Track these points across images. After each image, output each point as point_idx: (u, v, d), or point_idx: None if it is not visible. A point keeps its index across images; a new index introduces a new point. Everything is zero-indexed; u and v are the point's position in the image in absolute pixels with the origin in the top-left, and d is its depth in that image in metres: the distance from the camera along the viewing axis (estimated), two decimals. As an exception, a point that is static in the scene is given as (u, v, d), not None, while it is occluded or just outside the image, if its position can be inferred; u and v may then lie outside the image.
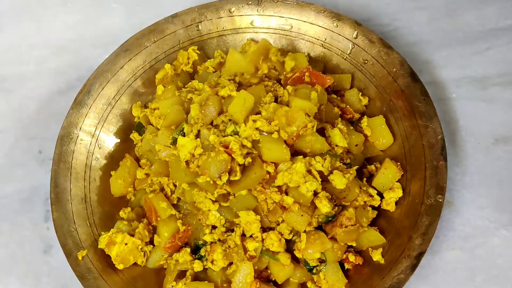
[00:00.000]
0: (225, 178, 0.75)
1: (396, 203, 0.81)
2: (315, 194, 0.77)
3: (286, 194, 0.76)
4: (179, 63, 0.94)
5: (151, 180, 0.85)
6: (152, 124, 0.89)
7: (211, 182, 0.76)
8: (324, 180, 0.78)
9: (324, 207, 0.76)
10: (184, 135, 0.79)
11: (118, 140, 0.92)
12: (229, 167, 0.75)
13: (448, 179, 0.79)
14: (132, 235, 0.81)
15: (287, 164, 0.76)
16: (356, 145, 0.83)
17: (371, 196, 0.81)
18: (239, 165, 0.76)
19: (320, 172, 0.77)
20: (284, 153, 0.75)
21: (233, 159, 0.75)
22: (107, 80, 0.92)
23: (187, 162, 0.78)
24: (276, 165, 0.76)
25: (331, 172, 0.78)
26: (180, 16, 0.95)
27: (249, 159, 0.76)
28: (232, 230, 0.79)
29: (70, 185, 0.85)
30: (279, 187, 0.76)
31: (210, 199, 0.78)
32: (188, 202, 0.81)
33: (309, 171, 0.76)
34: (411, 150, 0.83)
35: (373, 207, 0.82)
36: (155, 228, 0.83)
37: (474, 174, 0.88)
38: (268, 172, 0.76)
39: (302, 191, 0.75)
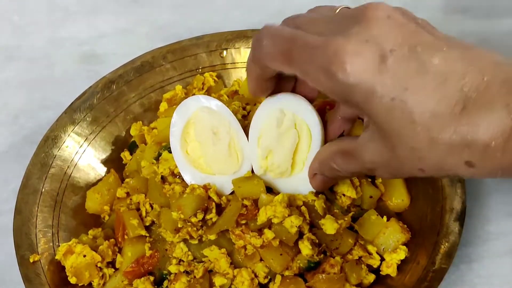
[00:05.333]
0: (200, 216, 0.92)
1: (400, 269, 0.94)
2: (301, 235, 0.91)
3: (269, 228, 0.91)
4: (193, 87, 1.14)
5: (130, 199, 1.02)
6: (146, 144, 1.08)
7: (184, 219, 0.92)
8: (315, 226, 0.93)
9: (306, 248, 0.89)
10: (171, 152, 0.98)
11: (107, 157, 1.12)
12: (205, 204, 0.92)
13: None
14: (95, 251, 0.98)
15: (268, 197, 0.91)
16: (371, 197, 0.98)
17: (369, 253, 0.94)
18: (216, 204, 0.93)
19: (311, 211, 0.92)
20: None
21: (209, 197, 0.93)
22: (111, 92, 1.13)
23: (163, 179, 0.97)
24: (255, 201, 0.92)
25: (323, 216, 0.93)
26: (205, 39, 1.18)
27: (224, 199, 0.94)
28: (202, 261, 0.95)
29: (42, 189, 1.04)
30: (259, 230, 0.91)
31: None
32: (161, 226, 0.97)
33: (298, 207, 0.92)
34: (429, 213, 0.97)
35: (371, 270, 0.95)
36: (121, 251, 0.99)
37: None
38: (246, 206, 0.91)
39: (286, 225, 0.89)
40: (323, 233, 0.92)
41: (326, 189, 0.92)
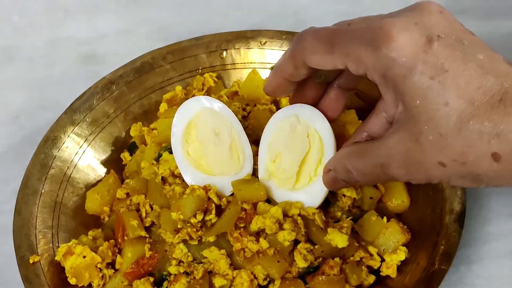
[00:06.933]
0: (200, 217, 0.92)
1: (400, 269, 0.94)
2: (297, 243, 0.91)
3: (265, 238, 0.91)
4: (192, 88, 1.14)
5: (130, 200, 1.02)
6: (146, 144, 1.08)
7: (184, 219, 0.92)
8: (315, 242, 0.93)
9: (300, 261, 0.90)
10: (171, 152, 0.98)
11: (107, 158, 1.12)
12: (205, 205, 0.92)
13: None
14: (95, 252, 0.98)
15: (265, 207, 0.91)
16: (371, 198, 0.98)
17: (370, 254, 0.94)
18: (216, 206, 0.93)
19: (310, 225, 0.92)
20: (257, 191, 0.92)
21: (209, 198, 0.93)
22: (110, 93, 1.13)
23: (163, 180, 0.97)
24: (254, 204, 0.92)
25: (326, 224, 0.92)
26: (205, 40, 1.18)
27: (224, 201, 0.94)
28: (202, 262, 0.95)
29: (41, 190, 1.04)
30: (256, 235, 0.91)
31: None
32: (161, 227, 0.97)
33: (292, 217, 0.91)
34: (428, 215, 0.97)
35: (371, 271, 0.95)
36: (121, 252, 0.99)
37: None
38: (245, 210, 0.91)
39: (280, 239, 0.89)
40: (327, 246, 0.92)
41: (335, 189, 0.92)
